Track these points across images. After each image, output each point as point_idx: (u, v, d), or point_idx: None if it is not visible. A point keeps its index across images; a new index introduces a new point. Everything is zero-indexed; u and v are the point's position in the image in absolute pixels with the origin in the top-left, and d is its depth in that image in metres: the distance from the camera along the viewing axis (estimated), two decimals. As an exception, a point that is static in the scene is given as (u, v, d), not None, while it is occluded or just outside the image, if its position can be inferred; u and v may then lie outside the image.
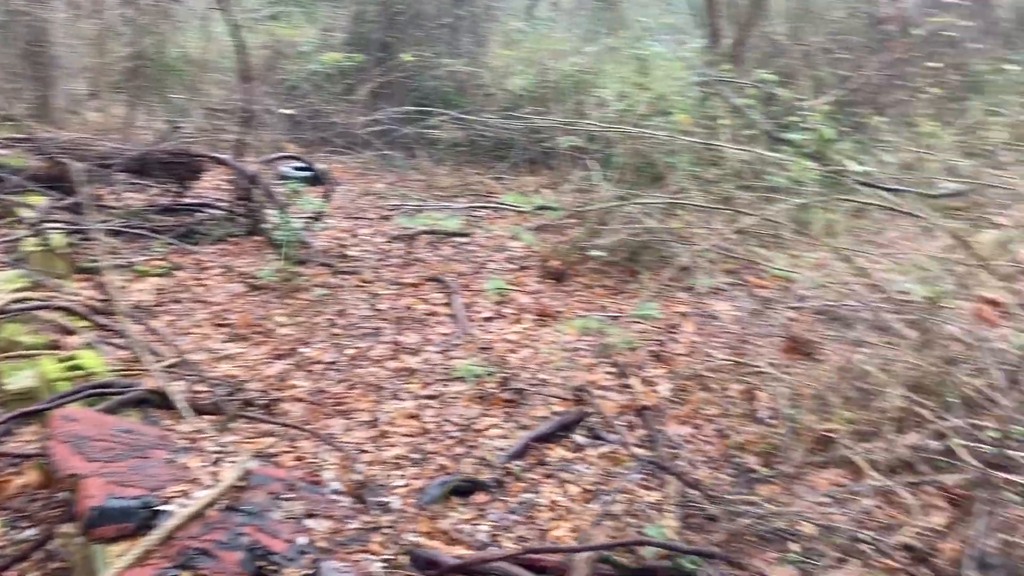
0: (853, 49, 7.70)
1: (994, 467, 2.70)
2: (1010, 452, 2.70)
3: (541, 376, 4.47)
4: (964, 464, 2.81)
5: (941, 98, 4.88)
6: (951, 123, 4.60)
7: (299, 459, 3.53)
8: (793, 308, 4.55)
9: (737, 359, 4.54)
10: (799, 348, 3.95)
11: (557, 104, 7.97)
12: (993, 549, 2.66)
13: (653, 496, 3.38)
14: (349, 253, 6.28)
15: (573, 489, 3.46)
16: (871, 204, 4.04)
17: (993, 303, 2.83)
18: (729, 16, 8.00)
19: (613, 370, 4.57)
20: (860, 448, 3.19)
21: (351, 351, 4.67)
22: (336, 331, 4.93)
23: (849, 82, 5.47)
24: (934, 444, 3.16)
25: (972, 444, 2.90)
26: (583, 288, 5.86)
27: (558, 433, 3.88)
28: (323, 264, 5.90)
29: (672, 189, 5.03)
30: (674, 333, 5.11)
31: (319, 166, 7.58)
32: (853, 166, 4.34)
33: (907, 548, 2.87)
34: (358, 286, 5.64)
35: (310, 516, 2.81)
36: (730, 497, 3.23)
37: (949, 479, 3.14)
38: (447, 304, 5.41)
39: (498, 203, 7.60)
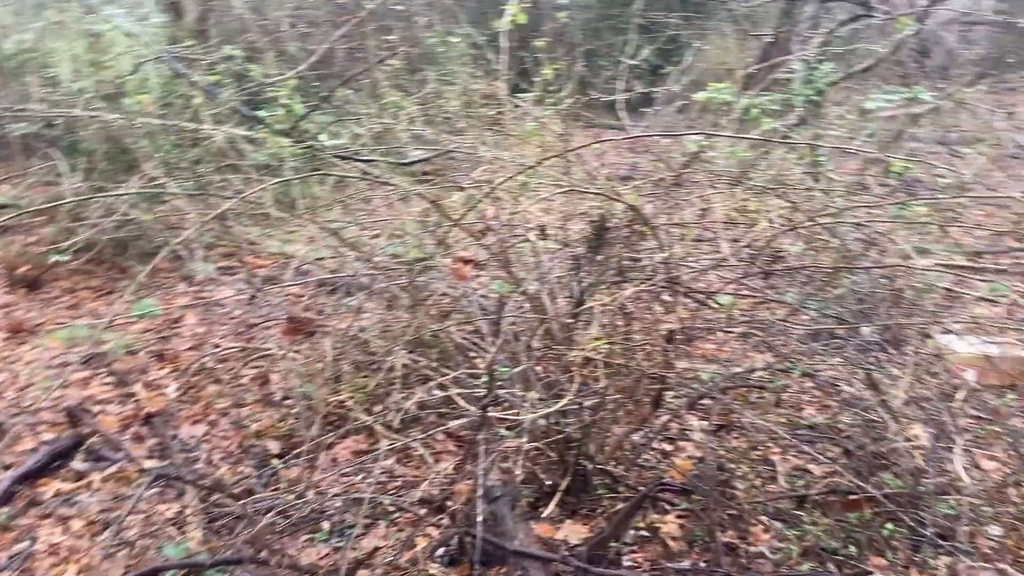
0: (317, 24, 7.87)
1: (488, 407, 2.96)
2: (497, 392, 2.97)
3: (23, 403, 3.91)
4: (463, 410, 3.05)
5: (401, 70, 5.19)
6: (413, 93, 4.92)
7: None
8: (292, 286, 4.54)
9: (245, 344, 4.42)
10: (300, 327, 3.95)
11: (1, 88, 6.88)
12: (495, 481, 2.94)
13: (173, 509, 3.14)
14: None
15: (77, 524, 3.07)
16: (349, 176, 4.15)
17: (465, 260, 3.08)
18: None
19: (111, 380, 4.17)
20: (373, 413, 3.29)
21: None
22: None
23: (314, 56, 5.57)
24: (439, 396, 3.38)
25: (469, 390, 3.15)
26: (65, 293, 5.26)
27: (52, 465, 3.43)
28: None
29: (147, 176, 4.66)
30: (177, 328, 4.83)
31: None
32: (325, 139, 4.43)
33: (425, 501, 3.04)
34: None
35: None
36: (252, 492, 3.12)
37: (455, 425, 3.39)
38: None
39: (-62, 207, 6.40)
